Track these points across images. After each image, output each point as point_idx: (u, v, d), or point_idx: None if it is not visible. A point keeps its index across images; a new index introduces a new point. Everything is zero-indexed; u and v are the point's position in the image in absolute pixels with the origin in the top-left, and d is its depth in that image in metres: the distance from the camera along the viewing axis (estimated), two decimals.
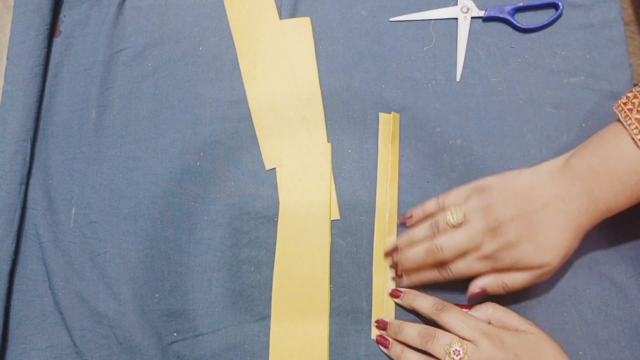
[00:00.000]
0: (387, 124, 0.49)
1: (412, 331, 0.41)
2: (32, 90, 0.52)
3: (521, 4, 0.51)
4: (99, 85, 0.53)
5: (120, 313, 0.47)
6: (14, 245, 0.49)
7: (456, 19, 0.52)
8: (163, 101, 0.53)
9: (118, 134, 0.52)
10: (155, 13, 0.56)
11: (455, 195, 0.44)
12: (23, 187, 0.50)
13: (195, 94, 0.53)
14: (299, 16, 0.54)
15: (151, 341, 0.46)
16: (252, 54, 0.53)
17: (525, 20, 0.51)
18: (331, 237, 0.47)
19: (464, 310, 0.42)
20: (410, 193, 0.48)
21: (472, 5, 0.52)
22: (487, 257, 0.40)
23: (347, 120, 0.51)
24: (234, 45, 0.54)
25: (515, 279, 0.40)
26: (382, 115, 0.50)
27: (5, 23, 0.54)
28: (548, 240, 0.39)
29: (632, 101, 0.38)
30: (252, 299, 0.47)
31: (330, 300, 0.46)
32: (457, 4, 0.52)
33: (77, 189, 0.51)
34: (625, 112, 0.38)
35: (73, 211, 0.50)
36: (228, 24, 0.55)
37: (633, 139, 0.37)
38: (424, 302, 0.43)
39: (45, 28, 0.54)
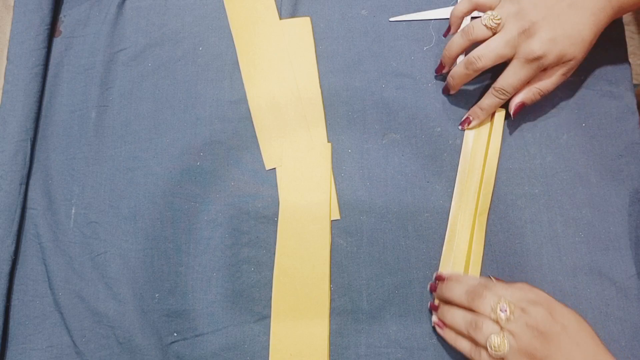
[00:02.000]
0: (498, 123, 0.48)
1: (459, 288, 0.41)
2: (32, 90, 0.52)
3: None
4: (99, 85, 0.53)
5: (120, 313, 0.47)
6: (14, 245, 0.49)
7: None
8: (163, 101, 0.53)
9: (118, 134, 0.52)
10: (155, 13, 0.56)
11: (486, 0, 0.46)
12: (23, 187, 0.50)
13: (195, 94, 0.53)
14: (299, 16, 0.54)
15: (151, 341, 0.46)
16: (252, 54, 0.53)
17: None
18: (331, 237, 0.47)
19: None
20: (411, 193, 0.48)
21: None
22: (531, 59, 0.43)
23: (347, 120, 0.51)
24: (234, 45, 0.54)
25: (547, 82, 0.44)
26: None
27: (5, 23, 0.54)
28: (577, 34, 0.42)
29: None
30: (252, 299, 0.47)
31: (330, 300, 0.46)
32: (457, 4, 0.52)
33: (77, 189, 0.51)
34: None
35: (73, 211, 0.50)
36: (228, 24, 0.55)
37: None
38: (457, 313, 0.42)
39: (45, 28, 0.54)
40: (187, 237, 0.49)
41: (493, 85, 0.45)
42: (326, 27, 0.53)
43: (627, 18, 0.51)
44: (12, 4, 0.55)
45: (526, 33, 0.42)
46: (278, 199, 0.49)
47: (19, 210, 0.49)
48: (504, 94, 0.45)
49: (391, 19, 0.53)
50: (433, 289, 0.45)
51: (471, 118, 0.48)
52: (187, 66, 0.54)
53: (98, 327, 0.47)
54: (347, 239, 0.47)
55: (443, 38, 0.52)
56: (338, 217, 0.48)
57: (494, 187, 0.47)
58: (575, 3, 0.42)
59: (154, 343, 0.46)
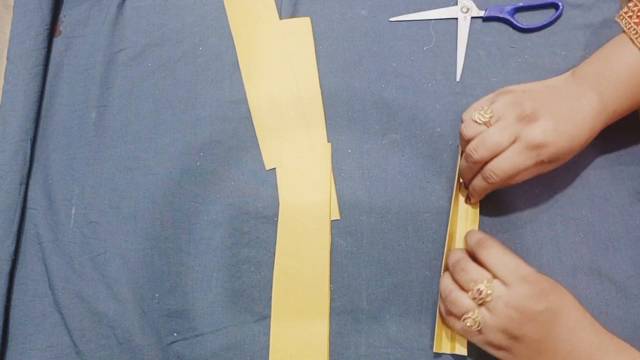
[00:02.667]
0: None
1: (453, 256, 0.42)
2: (32, 90, 0.52)
3: (521, 4, 0.51)
4: (99, 85, 0.53)
5: (120, 313, 0.47)
6: (14, 245, 0.49)
7: (456, 19, 0.52)
8: (163, 101, 0.53)
9: (118, 134, 0.52)
10: (155, 13, 0.56)
11: (478, 102, 0.43)
12: (23, 187, 0.50)
13: (195, 94, 0.53)
14: (299, 16, 0.54)
15: (151, 341, 0.46)
16: (252, 54, 0.53)
17: (525, 20, 0.51)
18: (331, 237, 0.47)
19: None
20: (411, 193, 0.48)
21: (472, 5, 0.52)
22: (531, 146, 0.39)
23: (347, 120, 0.51)
24: (234, 45, 0.54)
25: (522, 175, 0.41)
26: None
27: (5, 23, 0.54)
28: (574, 130, 0.40)
29: (633, 9, 0.41)
30: (252, 299, 0.47)
31: (330, 300, 0.46)
32: (457, 4, 0.52)
33: (77, 189, 0.51)
34: (625, 19, 0.41)
35: (73, 211, 0.50)
36: (228, 24, 0.55)
37: (633, 41, 0.40)
38: (471, 238, 0.42)
39: (45, 28, 0.54)
40: (187, 237, 0.49)
41: (484, 168, 0.41)
42: (326, 27, 0.53)
43: None
44: (12, 4, 0.55)
45: (527, 119, 0.39)
46: (278, 199, 0.49)
47: (19, 210, 0.49)
48: (490, 176, 0.41)
49: (391, 19, 0.53)
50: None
51: (471, 197, 0.46)
52: (187, 66, 0.54)
53: (98, 327, 0.47)
54: (347, 239, 0.47)
55: (443, 38, 0.52)
56: (338, 217, 0.48)
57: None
58: (570, 101, 0.40)
59: (154, 343, 0.46)
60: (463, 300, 0.39)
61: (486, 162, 0.41)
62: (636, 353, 0.37)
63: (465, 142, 0.42)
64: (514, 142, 0.40)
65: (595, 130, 0.41)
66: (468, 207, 0.47)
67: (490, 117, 0.40)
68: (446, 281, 0.41)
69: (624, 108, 0.41)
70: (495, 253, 0.39)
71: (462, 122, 0.43)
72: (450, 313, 0.40)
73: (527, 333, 0.37)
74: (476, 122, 0.41)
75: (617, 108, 0.41)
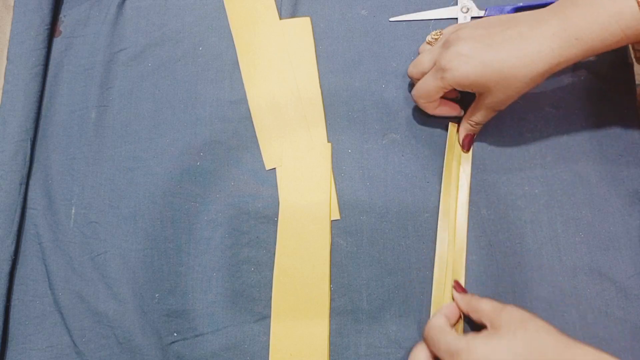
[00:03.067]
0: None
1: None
2: (32, 90, 0.52)
3: (521, 4, 0.51)
4: (99, 85, 0.53)
5: (120, 313, 0.47)
6: (14, 245, 0.49)
7: (456, 19, 0.52)
8: (163, 101, 0.53)
9: (118, 134, 0.52)
10: (155, 13, 0.56)
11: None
12: (23, 187, 0.50)
13: (195, 94, 0.53)
14: (299, 16, 0.54)
15: (151, 341, 0.46)
16: (252, 54, 0.53)
17: None
18: (331, 237, 0.47)
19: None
20: (411, 193, 0.48)
21: (472, 5, 0.52)
22: (437, 69, 0.42)
23: (347, 120, 0.51)
24: (234, 45, 0.54)
25: (477, 115, 0.44)
26: (452, 126, 0.48)
27: (5, 23, 0.54)
28: (507, 68, 0.37)
29: None
30: (252, 299, 0.47)
31: (330, 300, 0.46)
32: (457, 4, 0.52)
33: (77, 189, 0.51)
34: None
35: (73, 211, 0.50)
36: (228, 24, 0.55)
37: None
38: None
39: (45, 28, 0.54)
40: (187, 237, 0.49)
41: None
42: (326, 27, 0.53)
43: None
44: (12, 4, 0.55)
45: (446, 44, 0.41)
46: (278, 199, 0.49)
47: (19, 210, 0.49)
48: (414, 98, 0.46)
49: (391, 19, 0.53)
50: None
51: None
52: (187, 66, 0.54)
53: (98, 327, 0.47)
54: (347, 239, 0.47)
55: None
56: (338, 217, 0.48)
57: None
58: (517, 33, 0.37)
59: (154, 343, 0.46)
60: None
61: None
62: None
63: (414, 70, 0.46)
64: (434, 65, 0.43)
65: (538, 61, 0.37)
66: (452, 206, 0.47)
67: (435, 39, 0.45)
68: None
69: (594, 35, 0.36)
70: (432, 337, 0.39)
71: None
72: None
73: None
74: (427, 42, 0.47)
75: (585, 34, 0.36)
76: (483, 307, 0.39)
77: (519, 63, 0.38)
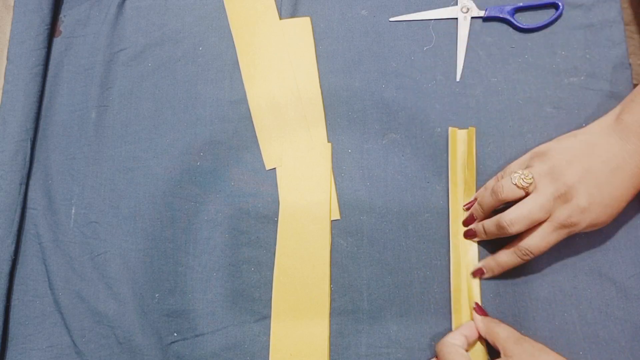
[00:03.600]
0: (460, 140, 0.48)
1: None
2: (32, 90, 0.52)
3: (521, 4, 0.51)
4: (99, 85, 0.53)
5: (120, 313, 0.47)
6: (14, 245, 0.49)
7: (456, 19, 0.52)
8: (163, 101, 0.53)
9: (118, 134, 0.52)
10: (155, 13, 0.56)
11: (514, 165, 0.44)
12: (23, 187, 0.50)
13: (195, 94, 0.53)
14: (299, 16, 0.54)
15: (151, 341, 0.46)
16: (252, 54, 0.53)
17: (525, 20, 0.51)
18: (331, 237, 0.47)
19: None
20: (411, 193, 0.48)
21: (472, 5, 0.52)
22: (563, 226, 0.40)
23: (347, 120, 0.51)
24: (234, 45, 0.54)
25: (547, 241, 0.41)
26: (452, 131, 0.48)
27: (5, 23, 0.54)
28: (614, 200, 0.39)
29: None
30: (252, 299, 0.47)
31: (330, 300, 0.46)
32: (457, 4, 0.52)
33: (77, 189, 0.51)
34: None
35: (73, 211, 0.50)
36: (228, 24, 0.55)
37: None
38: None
39: (45, 28, 0.54)
40: (187, 237, 0.49)
41: (517, 245, 0.41)
42: (326, 27, 0.53)
43: (627, 18, 0.51)
44: (12, 4, 0.55)
45: (562, 198, 0.39)
46: (278, 198, 0.49)
47: (19, 210, 0.49)
48: (527, 255, 0.41)
49: (391, 19, 0.53)
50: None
51: (485, 270, 0.44)
52: (187, 66, 0.54)
53: (98, 327, 0.47)
54: (347, 239, 0.47)
55: (443, 38, 0.52)
56: (338, 217, 0.48)
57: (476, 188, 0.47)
58: (612, 161, 0.39)
59: (154, 343, 0.46)
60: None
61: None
62: None
63: (498, 201, 0.42)
64: (548, 220, 0.40)
65: (637, 188, 0.39)
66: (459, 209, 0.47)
67: (530, 183, 0.40)
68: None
69: None
70: (445, 355, 0.40)
71: (496, 180, 0.45)
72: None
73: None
74: (516, 185, 0.41)
75: None
76: (500, 334, 0.40)
77: (629, 192, 0.39)
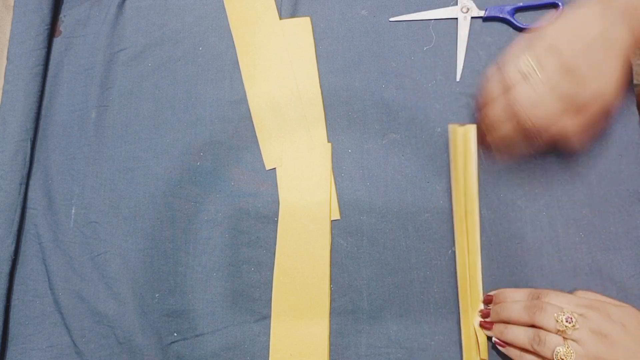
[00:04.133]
0: (461, 137, 0.48)
1: (517, 306, 0.41)
2: (32, 90, 0.52)
3: (521, 4, 0.51)
4: (99, 85, 0.53)
5: (120, 313, 0.47)
6: (14, 245, 0.49)
7: (456, 19, 0.52)
8: (163, 101, 0.53)
9: (118, 134, 0.52)
10: (155, 13, 0.56)
11: (512, 50, 0.44)
12: (23, 187, 0.50)
13: (195, 94, 0.53)
14: (299, 16, 0.54)
15: (151, 341, 0.46)
16: (252, 54, 0.53)
17: (525, 20, 0.51)
18: (331, 237, 0.47)
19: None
20: (411, 193, 0.48)
21: (472, 5, 0.52)
22: (571, 103, 0.41)
23: (347, 120, 0.51)
24: (234, 45, 0.54)
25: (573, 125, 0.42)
26: (452, 128, 0.48)
27: (5, 23, 0.54)
28: (608, 72, 0.41)
29: None
30: (252, 299, 0.47)
31: (330, 300, 0.46)
32: (457, 4, 0.52)
33: (77, 189, 0.51)
34: None
35: (73, 211, 0.50)
36: (228, 24, 0.55)
37: None
38: (517, 331, 0.41)
39: (45, 28, 0.54)
40: (187, 237, 0.49)
41: (520, 113, 0.42)
42: (326, 27, 0.53)
43: None
44: (12, 4, 0.54)
45: (565, 71, 0.41)
46: (278, 198, 0.49)
47: (19, 210, 0.49)
48: (528, 123, 0.42)
49: (391, 19, 0.53)
50: (486, 315, 0.43)
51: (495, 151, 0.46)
52: (187, 66, 0.54)
53: (98, 327, 0.47)
54: (347, 239, 0.47)
55: (443, 38, 0.52)
56: (338, 217, 0.48)
57: (478, 188, 0.47)
58: (605, 42, 0.41)
59: (154, 343, 0.46)
60: (551, 338, 0.38)
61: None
62: None
63: (506, 86, 0.42)
64: (557, 97, 0.41)
65: (626, 65, 0.41)
66: (462, 211, 0.47)
67: (534, 71, 0.41)
68: (521, 331, 0.40)
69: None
70: (555, 298, 0.40)
71: (488, 75, 0.44)
72: (541, 357, 0.39)
73: (617, 356, 0.37)
74: (521, 73, 0.41)
75: None
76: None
77: (621, 69, 0.41)
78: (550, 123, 0.41)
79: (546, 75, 0.41)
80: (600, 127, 0.44)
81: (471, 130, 0.47)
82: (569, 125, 0.42)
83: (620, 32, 0.41)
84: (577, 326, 0.37)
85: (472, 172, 0.47)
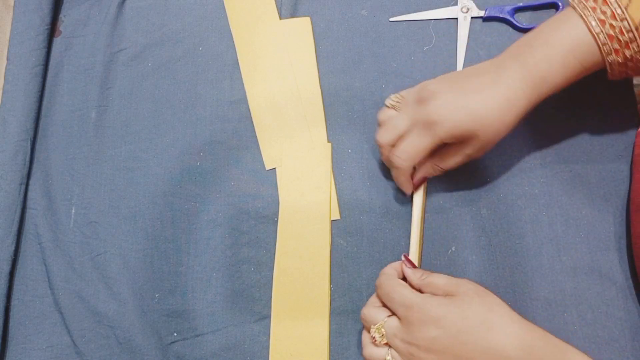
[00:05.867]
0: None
1: (373, 298, 0.41)
2: (32, 90, 0.52)
3: (521, 4, 0.51)
4: (99, 85, 0.53)
5: (120, 313, 0.47)
6: (14, 245, 0.49)
7: (456, 19, 0.52)
8: (163, 101, 0.53)
9: (118, 134, 0.52)
10: (155, 13, 0.56)
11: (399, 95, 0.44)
12: (23, 187, 0.50)
13: (195, 94, 0.53)
14: (299, 16, 0.54)
15: (151, 341, 0.46)
16: (252, 54, 0.53)
17: (525, 20, 0.51)
18: (331, 237, 0.47)
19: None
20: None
21: (472, 5, 0.52)
22: (426, 126, 0.40)
23: (347, 120, 0.51)
24: (234, 45, 0.54)
25: (448, 161, 0.42)
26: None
27: (5, 23, 0.54)
28: (484, 110, 0.38)
29: None
30: (252, 299, 0.47)
31: (330, 300, 0.46)
32: (457, 4, 0.52)
33: (77, 189, 0.51)
34: None
35: (73, 211, 0.50)
36: (228, 24, 0.55)
37: (583, 17, 0.37)
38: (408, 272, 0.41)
39: (45, 28, 0.54)
40: (187, 237, 0.49)
41: (390, 156, 0.43)
42: (326, 27, 0.53)
43: None
44: (12, 4, 0.55)
45: (423, 100, 0.40)
46: (278, 198, 0.49)
47: (19, 210, 0.49)
48: (398, 162, 0.42)
49: (391, 19, 0.53)
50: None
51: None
52: (187, 66, 0.54)
53: (98, 327, 0.47)
54: (347, 239, 0.47)
55: (443, 38, 0.52)
56: (338, 217, 0.48)
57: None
58: (487, 80, 0.39)
59: (154, 343, 0.46)
60: (379, 350, 0.38)
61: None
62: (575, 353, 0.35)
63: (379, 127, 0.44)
64: (413, 125, 0.41)
65: (516, 108, 0.38)
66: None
67: (398, 102, 0.42)
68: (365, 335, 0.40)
69: (556, 74, 0.38)
70: (386, 286, 0.39)
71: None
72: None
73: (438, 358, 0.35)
74: (387, 106, 0.44)
75: (547, 74, 0.38)
76: (437, 281, 0.38)
77: (502, 106, 0.38)
78: (415, 152, 0.42)
79: (405, 108, 0.42)
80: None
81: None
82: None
83: (509, 68, 0.39)
84: (383, 341, 0.38)
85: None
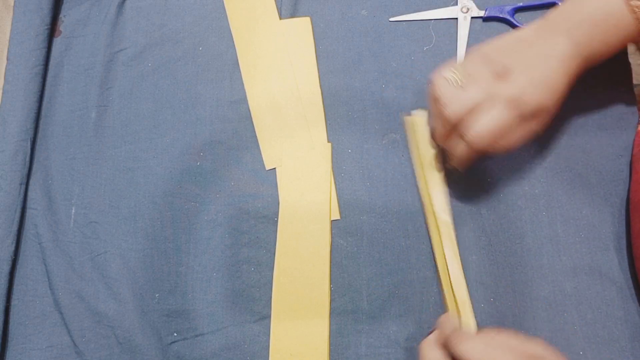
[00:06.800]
0: (411, 126, 0.48)
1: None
2: (32, 90, 0.52)
3: (521, 4, 0.51)
4: (99, 85, 0.53)
5: (120, 313, 0.47)
6: (14, 245, 0.49)
7: (456, 19, 0.52)
8: (163, 101, 0.53)
9: (118, 134, 0.52)
10: (155, 13, 0.56)
11: (448, 65, 0.42)
12: (23, 187, 0.50)
13: (195, 94, 0.53)
14: (299, 16, 0.54)
15: (151, 341, 0.46)
16: (252, 54, 0.53)
17: (525, 20, 0.51)
18: (331, 237, 0.47)
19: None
20: (411, 193, 0.48)
21: (472, 5, 0.52)
22: (512, 103, 0.39)
23: (347, 120, 0.51)
24: (234, 45, 0.54)
25: (510, 137, 0.40)
26: (407, 119, 0.49)
27: (5, 23, 0.54)
28: (550, 82, 0.39)
29: None
30: (252, 299, 0.47)
31: (330, 300, 0.46)
32: (457, 4, 0.52)
33: (77, 189, 0.51)
34: None
35: (73, 211, 0.50)
36: (228, 24, 0.55)
37: None
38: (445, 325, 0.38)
39: (45, 28, 0.54)
40: (187, 237, 0.49)
41: (468, 132, 0.40)
42: (326, 27, 0.53)
43: None
44: (12, 4, 0.55)
45: (500, 75, 0.39)
46: (278, 198, 0.49)
47: (19, 210, 0.49)
48: (477, 140, 0.39)
49: (391, 19, 0.53)
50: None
51: (456, 167, 0.45)
52: (187, 66, 0.54)
53: (98, 327, 0.47)
54: (347, 239, 0.47)
55: (443, 38, 0.52)
56: (338, 217, 0.48)
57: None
58: (547, 54, 0.39)
59: (154, 343, 0.46)
60: None
61: (458, 125, 0.40)
62: None
63: (436, 102, 0.41)
64: (491, 100, 0.39)
65: (570, 77, 0.40)
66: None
67: (462, 75, 0.40)
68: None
69: (599, 51, 0.40)
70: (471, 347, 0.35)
71: (430, 83, 0.42)
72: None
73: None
74: (448, 80, 0.40)
75: (592, 51, 0.40)
76: None
77: (564, 80, 0.40)
78: (497, 128, 0.39)
79: (478, 80, 0.40)
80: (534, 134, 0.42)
81: (418, 117, 0.47)
82: (516, 136, 0.40)
83: (560, 43, 0.39)
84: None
85: (428, 159, 0.47)
